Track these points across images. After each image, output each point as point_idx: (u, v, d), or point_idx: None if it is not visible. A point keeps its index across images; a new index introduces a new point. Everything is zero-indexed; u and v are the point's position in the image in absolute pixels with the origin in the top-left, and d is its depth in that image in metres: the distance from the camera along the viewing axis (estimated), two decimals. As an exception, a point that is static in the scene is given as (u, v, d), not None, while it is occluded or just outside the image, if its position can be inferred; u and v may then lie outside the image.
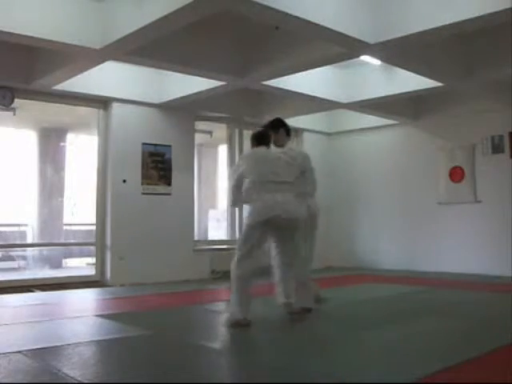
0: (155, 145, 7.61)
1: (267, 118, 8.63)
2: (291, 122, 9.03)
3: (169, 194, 7.70)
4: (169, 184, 7.71)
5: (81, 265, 9.30)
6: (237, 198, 4.39)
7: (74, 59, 5.64)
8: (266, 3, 4.19)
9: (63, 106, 7.28)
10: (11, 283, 6.65)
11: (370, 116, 8.72)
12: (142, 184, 7.44)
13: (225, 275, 8.01)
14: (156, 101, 7.49)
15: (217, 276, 7.95)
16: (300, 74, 6.45)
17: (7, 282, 6.73)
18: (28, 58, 6.24)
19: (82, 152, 9.48)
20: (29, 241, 9.41)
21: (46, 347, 3.43)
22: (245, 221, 4.34)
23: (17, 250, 9.23)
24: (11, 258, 9.13)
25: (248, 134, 9.23)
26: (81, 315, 4.80)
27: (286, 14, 4.36)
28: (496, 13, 4.36)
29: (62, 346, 3.49)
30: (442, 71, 6.37)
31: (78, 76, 6.29)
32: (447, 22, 4.62)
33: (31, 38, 4.94)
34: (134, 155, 7.40)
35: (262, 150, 4.37)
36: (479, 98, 7.60)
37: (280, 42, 5.81)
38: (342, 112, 8.86)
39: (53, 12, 4.97)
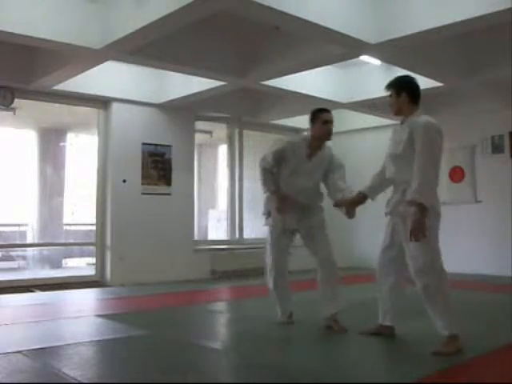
0: (155, 145, 7.60)
1: (267, 118, 8.69)
2: (291, 122, 9.12)
3: (169, 194, 7.69)
4: (169, 184, 7.70)
5: (81, 265, 9.30)
6: None
7: (73, 59, 5.64)
8: (266, 3, 4.18)
9: (63, 106, 7.28)
10: (11, 283, 6.65)
11: (370, 116, 8.72)
12: (142, 184, 7.44)
13: (225, 275, 8.04)
14: (156, 101, 7.49)
15: (217, 276, 7.95)
16: (300, 73, 6.45)
17: (7, 281, 6.72)
18: (28, 58, 6.24)
19: (82, 152, 9.48)
20: (29, 241, 9.41)
21: (45, 347, 3.43)
22: None
23: (17, 250, 9.22)
24: (11, 258, 9.13)
25: (248, 134, 9.29)
26: (81, 315, 4.80)
27: (286, 14, 4.35)
28: (496, 13, 4.36)
29: (62, 346, 3.50)
30: (442, 71, 6.36)
31: (78, 76, 6.29)
32: (447, 22, 4.62)
33: (31, 37, 4.94)
34: (134, 155, 7.39)
35: None
36: (479, 98, 7.60)
37: (280, 42, 5.80)
38: (342, 112, 8.85)
39: (53, 12, 4.96)
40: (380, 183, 3.83)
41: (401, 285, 3.66)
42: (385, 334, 3.70)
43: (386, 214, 3.62)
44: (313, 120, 4.10)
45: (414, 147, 3.29)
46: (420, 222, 3.17)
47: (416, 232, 3.18)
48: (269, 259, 4.23)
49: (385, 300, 3.71)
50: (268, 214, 4.21)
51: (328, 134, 4.08)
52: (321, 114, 4.07)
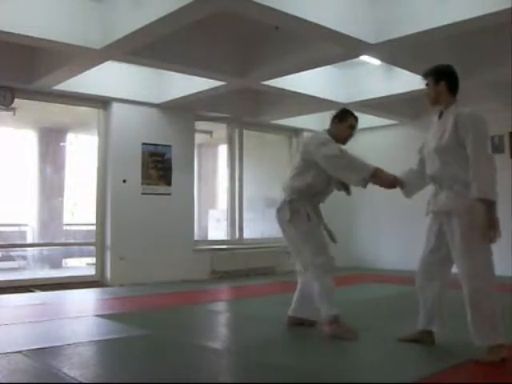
0: (155, 145, 7.61)
1: (267, 118, 8.69)
2: (291, 122, 9.12)
3: (169, 194, 7.69)
4: (169, 184, 7.71)
5: (81, 265, 9.31)
6: None
7: (73, 59, 5.64)
8: (266, 3, 4.19)
9: (63, 105, 7.28)
10: (11, 283, 6.65)
11: (370, 116, 8.72)
12: (142, 184, 7.44)
13: (225, 275, 8.04)
14: (156, 101, 7.49)
15: (217, 276, 7.95)
16: (300, 73, 6.45)
17: (7, 281, 6.72)
18: (28, 58, 6.24)
19: (82, 152, 9.48)
20: (29, 241, 9.41)
21: (46, 347, 3.43)
22: None
23: (17, 250, 9.22)
24: (11, 258, 9.13)
25: (248, 133, 9.29)
26: (81, 315, 4.80)
27: (286, 14, 4.36)
28: (496, 13, 4.36)
29: (62, 345, 3.50)
30: (442, 71, 6.36)
31: (78, 76, 6.29)
32: (447, 22, 4.62)
33: (31, 38, 4.94)
34: (134, 155, 7.39)
35: None
36: (479, 97, 7.59)
37: (280, 41, 5.81)
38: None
39: (53, 12, 4.96)
40: (415, 181, 3.69)
41: (447, 289, 3.39)
42: (425, 340, 3.42)
43: (432, 213, 3.38)
44: (340, 120, 4.00)
45: (460, 139, 3.14)
46: (487, 219, 3.10)
47: (484, 231, 3.09)
48: (323, 256, 3.80)
49: (430, 305, 3.38)
50: (307, 216, 3.87)
51: (347, 139, 4.05)
52: (351, 118, 4.00)
